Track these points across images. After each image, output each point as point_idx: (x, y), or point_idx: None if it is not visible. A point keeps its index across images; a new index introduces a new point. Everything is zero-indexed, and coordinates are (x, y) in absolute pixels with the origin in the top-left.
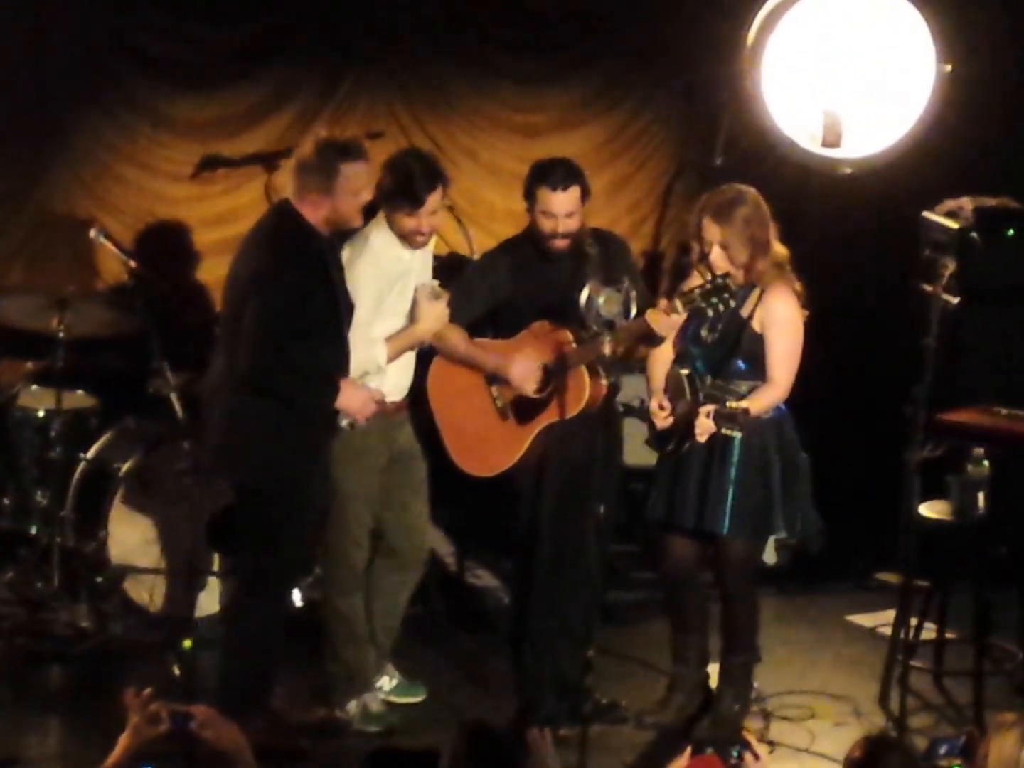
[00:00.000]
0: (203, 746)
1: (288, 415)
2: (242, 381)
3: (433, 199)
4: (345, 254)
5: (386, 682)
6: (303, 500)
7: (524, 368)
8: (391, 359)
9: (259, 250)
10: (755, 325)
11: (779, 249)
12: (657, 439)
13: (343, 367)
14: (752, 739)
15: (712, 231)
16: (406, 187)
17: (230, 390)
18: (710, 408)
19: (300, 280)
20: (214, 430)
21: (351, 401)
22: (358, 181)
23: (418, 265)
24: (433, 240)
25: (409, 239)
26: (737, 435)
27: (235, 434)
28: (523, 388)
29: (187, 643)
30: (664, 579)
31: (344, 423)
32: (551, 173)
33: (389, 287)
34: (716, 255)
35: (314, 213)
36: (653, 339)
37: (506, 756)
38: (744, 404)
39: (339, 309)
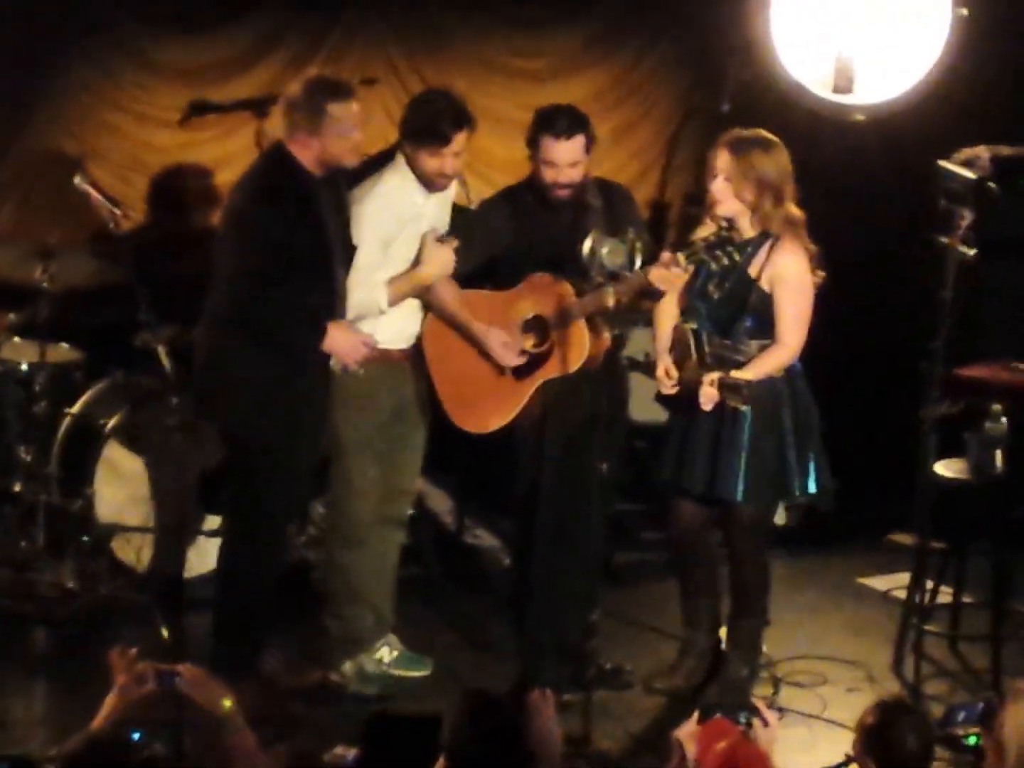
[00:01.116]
0: (192, 708)
1: (271, 358)
2: (222, 321)
3: (459, 139)
4: (355, 195)
5: (386, 653)
6: (292, 448)
7: (502, 342)
8: (393, 303)
9: (242, 191)
10: (763, 284)
11: (794, 209)
12: (664, 400)
13: (332, 310)
14: (762, 705)
15: (723, 160)
16: (432, 125)
17: (213, 331)
18: (714, 377)
19: (280, 217)
20: (198, 374)
21: (338, 343)
22: (347, 121)
23: (431, 212)
24: (454, 188)
25: (431, 181)
26: (743, 408)
27: (217, 377)
28: (504, 360)
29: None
30: (674, 543)
31: (336, 367)
32: (555, 121)
33: (397, 231)
34: (718, 186)
35: (304, 153)
36: (655, 294)
37: (509, 725)
38: (748, 376)
39: (330, 251)
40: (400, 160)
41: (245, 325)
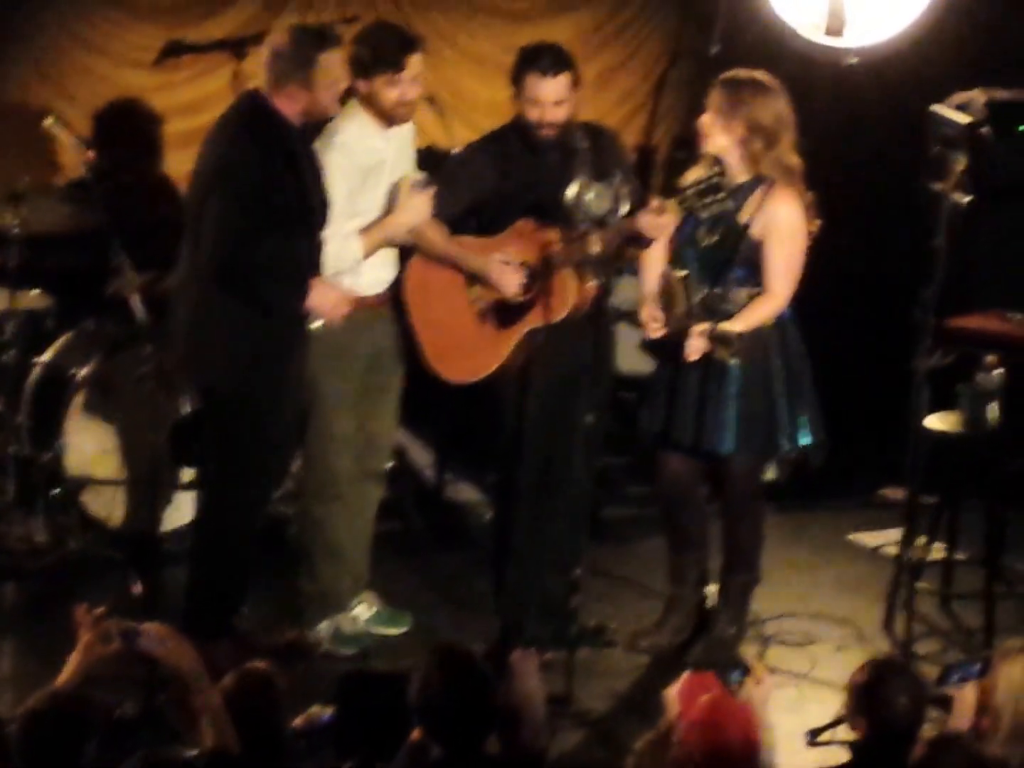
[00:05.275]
0: (160, 666)
1: (255, 314)
2: (206, 277)
3: (413, 62)
4: (315, 148)
5: (363, 610)
6: (274, 406)
7: (504, 269)
8: (368, 253)
9: (223, 140)
10: (754, 232)
11: (792, 157)
12: (651, 346)
13: (314, 265)
14: (755, 662)
15: (715, 95)
16: (383, 54)
17: (196, 287)
18: (703, 328)
19: (265, 171)
20: (179, 330)
21: (323, 300)
22: (336, 71)
23: (393, 155)
24: (412, 130)
25: (394, 113)
26: (732, 361)
27: (201, 334)
28: (505, 290)
29: None
30: (661, 496)
31: (316, 324)
32: (540, 58)
33: (362, 180)
34: (706, 119)
35: (291, 105)
36: (642, 241)
37: (481, 680)
38: (738, 328)
39: (310, 203)
40: (352, 106)
41: (227, 280)
